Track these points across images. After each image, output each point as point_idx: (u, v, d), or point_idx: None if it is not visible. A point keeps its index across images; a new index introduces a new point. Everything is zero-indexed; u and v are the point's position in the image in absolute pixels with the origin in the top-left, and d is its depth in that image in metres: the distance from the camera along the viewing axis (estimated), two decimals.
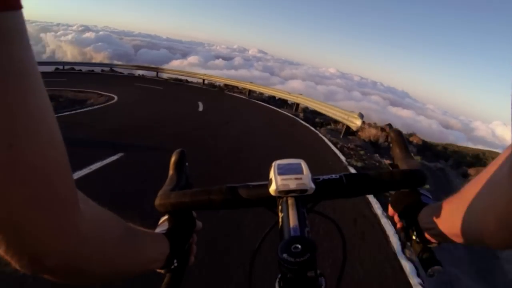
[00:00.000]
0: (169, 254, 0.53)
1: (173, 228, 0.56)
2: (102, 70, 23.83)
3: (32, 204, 0.26)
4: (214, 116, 9.89)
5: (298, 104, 13.63)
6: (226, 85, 19.27)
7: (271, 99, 16.34)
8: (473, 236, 0.42)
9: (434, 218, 0.50)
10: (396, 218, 0.62)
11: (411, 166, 0.59)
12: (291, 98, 14.32)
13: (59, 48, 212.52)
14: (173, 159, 0.64)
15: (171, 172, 0.63)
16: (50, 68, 22.15)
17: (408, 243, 0.57)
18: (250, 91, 17.05)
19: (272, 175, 0.53)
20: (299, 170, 0.53)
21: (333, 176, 0.55)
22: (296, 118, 11.51)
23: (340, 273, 0.58)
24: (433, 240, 0.53)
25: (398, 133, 0.68)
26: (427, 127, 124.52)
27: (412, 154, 0.64)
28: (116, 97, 11.64)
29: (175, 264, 0.54)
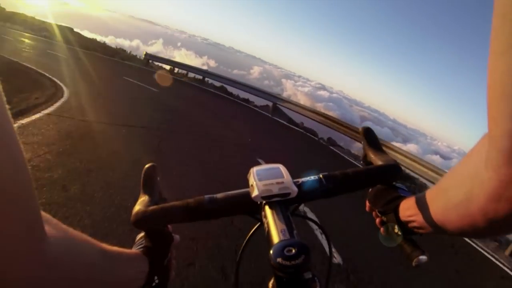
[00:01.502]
0: (149, 272, 0.52)
1: (151, 245, 0.55)
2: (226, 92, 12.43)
3: None
4: None
5: None
6: None
7: None
8: (452, 226, 0.42)
9: (413, 211, 0.50)
10: (375, 213, 0.62)
11: (385, 161, 0.58)
12: None
13: (294, 95, 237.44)
14: (144, 174, 0.61)
15: (143, 188, 0.60)
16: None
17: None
18: None
19: (252, 181, 0.53)
20: (279, 174, 0.53)
21: (312, 177, 0.55)
22: None
23: (328, 272, 0.60)
24: (414, 232, 0.53)
25: (368, 129, 0.66)
26: None
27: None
28: None
29: (156, 281, 0.54)
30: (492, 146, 0.30)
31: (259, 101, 13.74)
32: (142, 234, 0.58)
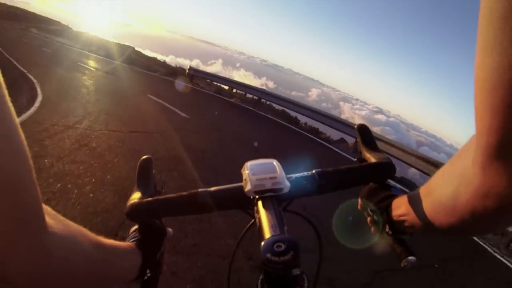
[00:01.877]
0: (141, 265, 0.52)
1: (144, 238, 0.55)
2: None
3: None
4: None
5: None
6: None
7: None
8: (441, 224, 0.42)
9: (405, 210, 0.50)
10: (366, 212, 0.61)
11: (380, 159, 0.57)
12: None
13: (351, 118, 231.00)
14: (139, 167, 0.60)
15: (138, 180, 0.60)
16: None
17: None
18: None
19: (246, 176, 0.52)
20: (273, 170, 0.52)
21: (305, 173, 0.54)
22: None
23: (317, 270, 0.59)
24: (405, 231, 0.53)
25: (364, 127, 0.65)
26: None
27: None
28: None
29: (148, 275, 0.53)
30: (478, 142, 0.30)
31: (330, 132, 9.79)
32: (135, 227, 0.57)
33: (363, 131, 0.63)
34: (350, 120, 12.12)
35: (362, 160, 0.61)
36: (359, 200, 0.62)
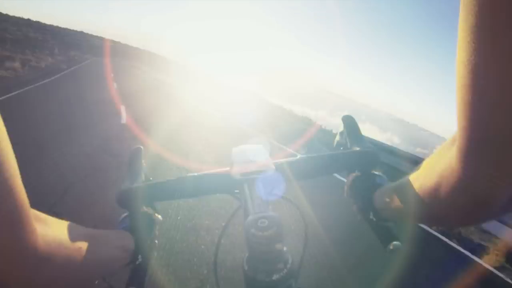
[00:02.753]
0: (133, 250, 0.53)
1: (135, 224, 0.56)
2: None
3: None
4: None
5: None
6: None
7: None
8: (423, 214, 0.43)
9: (388, 199, 0.51)
10: (352, 199, 0.62)
11: (364, 148, 0.59)
12: None
13: None
14: (130, 156, 0.63)
15: (129, 169, 0.61)
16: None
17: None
18: None
19: (232, 160, 0.54)
20: (258, 154, 0.55)
21: (291, 158, 0.56)
22: None
23: (303, 249, 0.59)
24: (389, 219, 0.54)
25: (349, 117, 0.66)
26: None
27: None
28: None
29: (140, 260, 0.54)
30: (458, 138, 0.30)
31: None
32: (126, 213, 0.57)
33: (349, 121, 0.64)
34: None
35: (348, 149, 0.61)
36: (345, 188, 0.63)
